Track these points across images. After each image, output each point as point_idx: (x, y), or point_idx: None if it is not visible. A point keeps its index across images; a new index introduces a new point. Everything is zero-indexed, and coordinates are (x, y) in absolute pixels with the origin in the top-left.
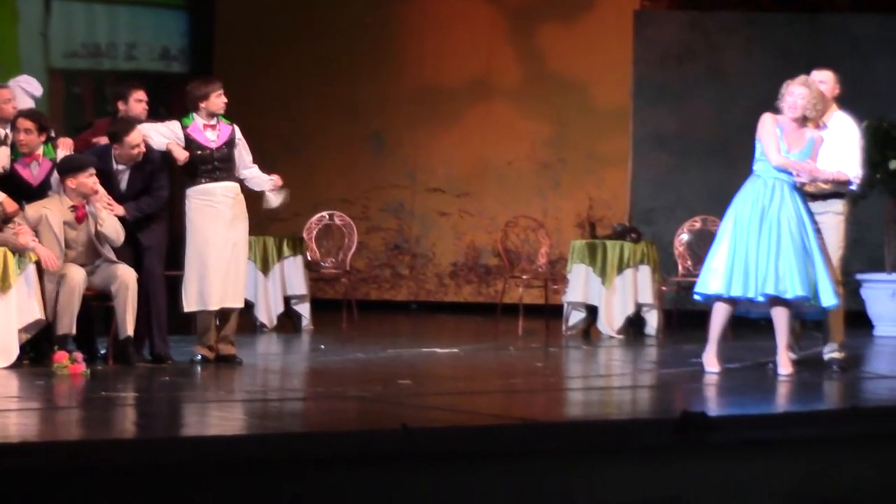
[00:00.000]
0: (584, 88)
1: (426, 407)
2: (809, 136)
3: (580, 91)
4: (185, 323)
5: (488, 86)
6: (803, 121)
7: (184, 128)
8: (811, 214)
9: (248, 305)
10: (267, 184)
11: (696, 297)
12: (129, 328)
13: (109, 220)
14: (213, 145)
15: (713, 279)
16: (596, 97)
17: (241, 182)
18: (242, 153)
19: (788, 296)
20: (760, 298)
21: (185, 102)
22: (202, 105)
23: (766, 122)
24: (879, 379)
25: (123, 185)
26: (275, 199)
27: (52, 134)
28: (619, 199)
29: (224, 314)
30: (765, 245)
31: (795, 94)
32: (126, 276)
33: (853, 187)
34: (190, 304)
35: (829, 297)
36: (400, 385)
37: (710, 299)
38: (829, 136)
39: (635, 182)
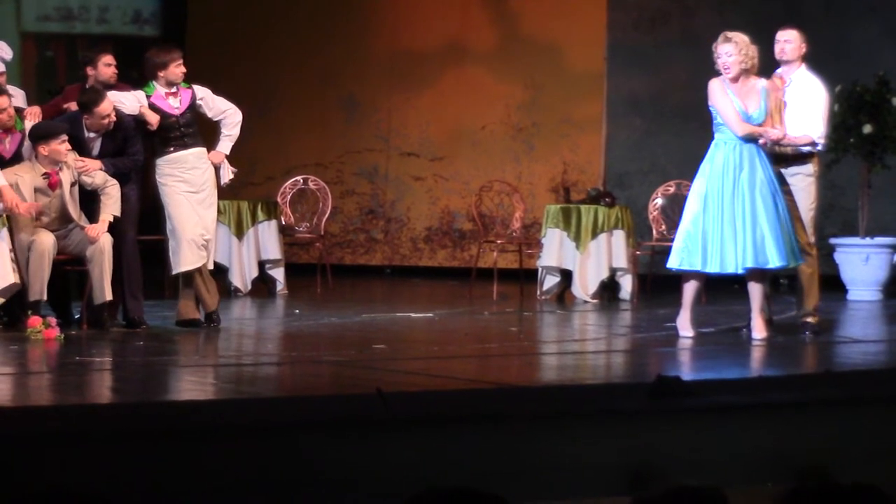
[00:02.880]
0: (558, 52)
1: (401, 371)
2: (760, 87)
3: (554, 55)
4: (159, 288)
5: (462, 49)
6: (745, 73)
7: (147, 97)
8: (780, 176)
9: (223, 270)
10: (224, 172)
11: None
12: (107, 293)
13: (97, 174)
14: (177, 112)
15: (688, 256)
16: (570, 61)
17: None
18: (211, 110)
19: (770, 265)
20: (741, 272)
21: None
22: (161, 74)
23: (716, 90)
24: (853, 343)
25: (95, 151)
26: (224, 177)
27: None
28: (594, 163)
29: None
30: (739, 219)
31: (723, 53)
32: (101, 241)
33: (819, 147)
34: (178, 265)
35: (792, 257)
36: (374, 350)
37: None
38: (792, 93)
39: (609, 146)
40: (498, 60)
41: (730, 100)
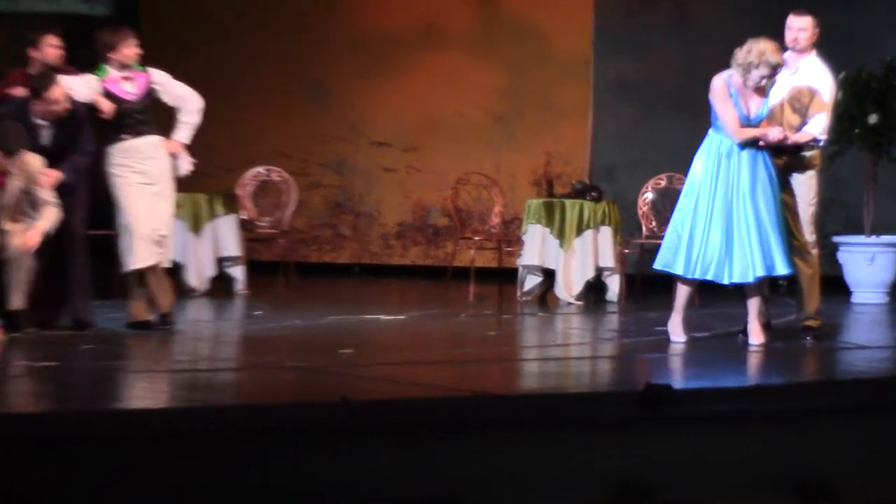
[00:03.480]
0: (542, 35)
1: (370, 378)
2: (767, 89)
3: (537, 38)
4: (108, 287)
5: (438, 32)
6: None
7: (99, 82)
8: (779, 173)
9: (178, 268)
10: (182, 162)
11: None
12: (21, 300)
13: (50, 219)
14: (133, 97)
15: (678, 260)
16: (554, 45)
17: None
18: (169, 95)
19: (778, 273)
20: (751, 280)
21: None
22: (111, 56)
23: (719, 89)
24: (857, 349)
25: (46, 139)
26: (182, 168)
27: None
28: (579, 154)
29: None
30: (744, 226)
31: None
32: (28, 246)
33: (821, 143)
34: (130, 263)
35: (782, 267)
36: (341, 355)
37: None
38: (796, 81)
39: (596, 136)
40: (477, 44)
41: (731, 105)
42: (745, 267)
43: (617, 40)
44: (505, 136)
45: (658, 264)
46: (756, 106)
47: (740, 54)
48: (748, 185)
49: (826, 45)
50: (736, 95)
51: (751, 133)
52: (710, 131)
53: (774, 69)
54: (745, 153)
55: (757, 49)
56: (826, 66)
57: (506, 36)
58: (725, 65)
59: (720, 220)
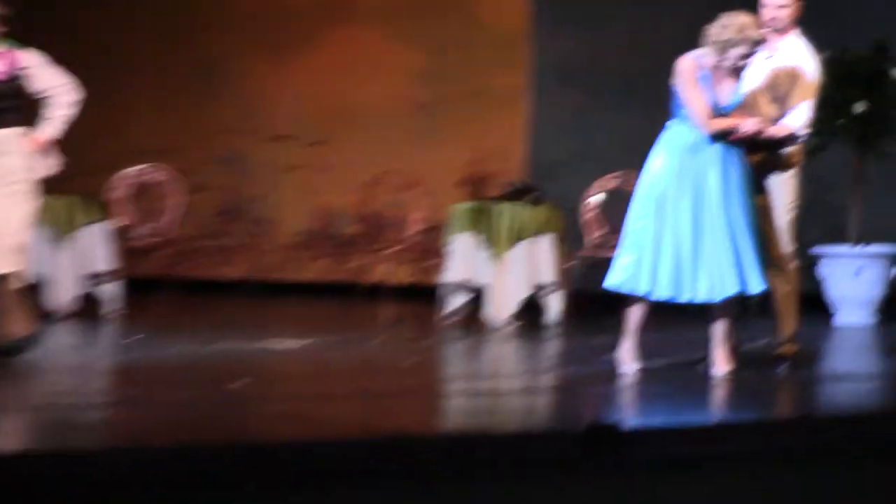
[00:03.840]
0: (470, 7)
1: (266, 416)
2: (740, 73)
3: (464, 10)
4: None
5: (347, 3)
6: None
7: None
8: (753, 173)
9: (37, 285)
10: (45, 161)
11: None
12: None
13: None
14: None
15: (641, 278)
16: (485, 19)
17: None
18: (38, 82)
19: (752, 291)
20: (718, 300)
21: None
22: None
23: (687, 71)
24: (840, 380)
25: None
26: (46, 167)
27: None
28: (514, 149)
29: None
30: (713, 235)
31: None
32: None
33: (799, 137)
34: None
35: (756, 283)
36: (233, 388)
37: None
38: (776, 65)
39: (535, 128)
40: (393, 18)
41: (700, 91)
42: (713, 284)
43: (559, 13)
44: (427, 127)
45: (614, 283)
46: (728, 92)
47: (715, 31)
48: (718, 187)
49: (806, 22)
50: (706, 79)
51: (722, 124)
52: (672, 121)
53: (755, 46)
54: (715, 148)
55: (736, 24)
56: (809, 47)
57: (427, 8)
58: (687, 41)
59: (687, 229)
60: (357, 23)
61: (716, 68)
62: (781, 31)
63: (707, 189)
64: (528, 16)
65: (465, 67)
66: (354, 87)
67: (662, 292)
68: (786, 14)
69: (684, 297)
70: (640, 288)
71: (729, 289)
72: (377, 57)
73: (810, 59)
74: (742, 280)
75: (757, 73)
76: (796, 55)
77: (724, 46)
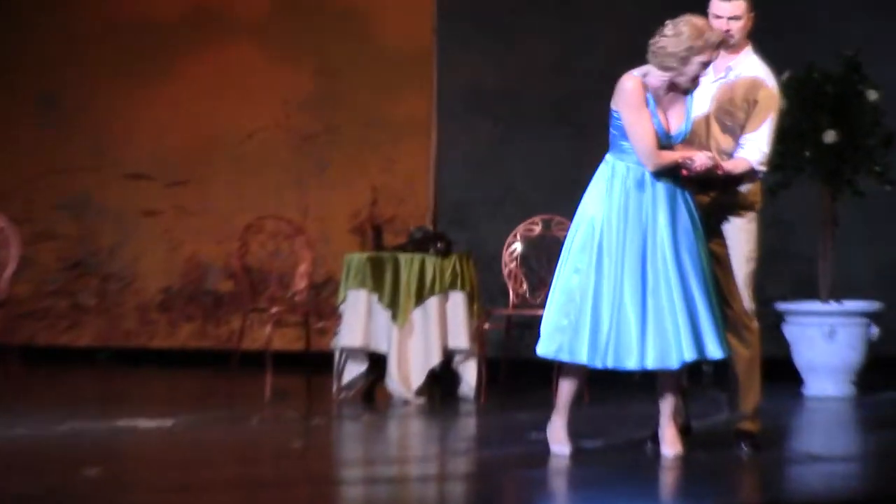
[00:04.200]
0: (366, 21)
1: None
2: (687, 98)
3: (359, 26)
4: None
5: (219, 18)
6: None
7: None
8: (705, 216)
9: None
10: None
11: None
12: None
13: None
14: None
15: (579, 343)
16: (383, 34)
17: None
18: None
19: (712, 357)
20: (675, 366)
21: None
22: None
23: (633, 96)
24: (810, 462)
25: None
26: None
27: None
28: (418, 188)
29: None
30: (664, 291)
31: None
32: None
33: (759, 173)
34: None
35: (715, 348)
36: (84, 476)
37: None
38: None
39: (442, 163)
40: (274, 34)
41: (647, 116)
42: (664, 349)
43: (469, 30)
44: (314, 163)
45: (546, 350)
46: (677, 119)
47: (667, 41)
48: (667, 233)
49: (766, 33)
50: (653, 104)
51: (670, 157)
52: (609, 155)
53: (715, 52)
54: (662, 187)
55: (692, 29)
56: (766, 65)
57: (315, 23)
58: (620, 62)
59: (633, 283)
60: (229, 40)
61: (665, 89)
62: (734, 47)
63: (655, 236)
64: (434, 31)
65: (359, 92)
66: (226, 115)
67: (604, 360)
68: (739, 27)
69: (629, 365)
70: (578, 355)
71: (682, 355)
72: (254, 80)
73: (769, 78)
74: (697, 344)
75: (705, 98)
76: (753, 75)
77: (686, 59)
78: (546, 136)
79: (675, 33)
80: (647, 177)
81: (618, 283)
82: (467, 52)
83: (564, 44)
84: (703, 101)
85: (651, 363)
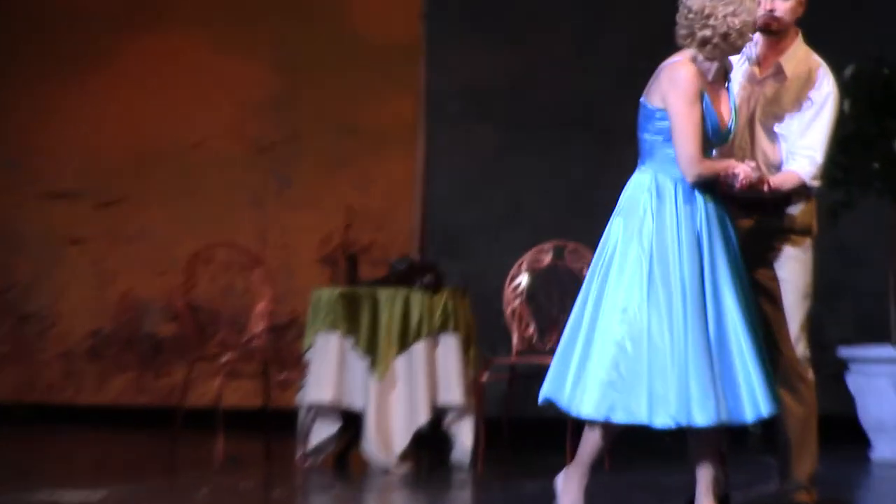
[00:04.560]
0: (339, 6)
1: None
2: (728, 87)
3: (331, 12)
4: None
5: (159, 3)
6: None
7: None
8: (745, 242)
9: None
10: None
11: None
12: None
13: None
14: None
15: (627, 399)
16: (360, 23)
17: None
18: None
19: (764, 414)
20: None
21: None
22: None
23: (691, 84)
24: None
25: None
26: None
27: None
28: (401, 209)
29: None
30: (712, 345)
31: (738, 46)
32: None
33: (812, 190)
34: None
35: (764, 403)
36: None
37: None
38: (775, 86)
39: (431, 178)
40: (224, 21)
41: (699, 114)
42: (735, 400)
43: (464, 22)
44: (275, 178)
45: (597, 411)
46: (727, 111)
47: (715, 9)
48: (724, 263)
49: (822, 24)
50: (708, 99)
51: (713, 168)
52: (646, 167)
53: (749, 23)
54: (712, 207)
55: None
56: (821, 60)
57: (276, 7)
58: (648, 51)
59: (696, 326)
60: (172, 30)
61: (711, 79)
62: (779, 35)
63: (715, 269)
64: (421, 21)
65: (330, 92)
66: (168, 120)
67: (672, 416)
68: (787, 7)
69: (700, 421)
70: (637, 415)
71: (758, 408)
72: (202, 78)
73: (825, 75)
74: (754, 401)
75: (749, 99)
76: (804, 70)
77: (732, 35)
78: (558, 145)
79: (733, 3)
80: (698, 193)
81: (677, 324)
82: (462, 45)
83: (580, 34)
84: (745, 103)
85: (724, 417)
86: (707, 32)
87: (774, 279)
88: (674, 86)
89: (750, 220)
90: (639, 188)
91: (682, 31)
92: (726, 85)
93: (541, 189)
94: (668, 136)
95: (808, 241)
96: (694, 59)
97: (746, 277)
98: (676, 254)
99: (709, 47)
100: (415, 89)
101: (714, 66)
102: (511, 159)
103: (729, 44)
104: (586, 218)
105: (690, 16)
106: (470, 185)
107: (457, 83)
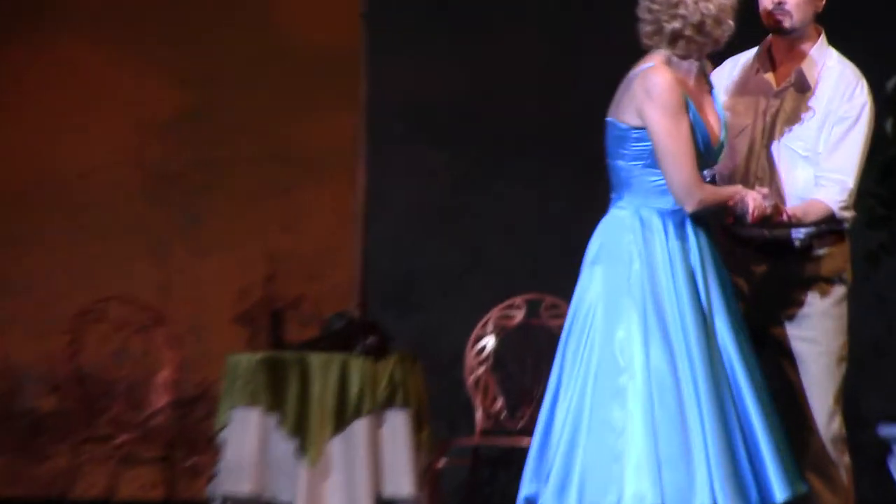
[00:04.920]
0: (262, 7)
1: None
2: (712, 91)
3: (251, 13)
4: None
5: (37, 6)
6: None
7: None
8: (761, 298)
9: None
10: None
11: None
12: None
13: None
14: None
15: (637, 482)
16: (288, 27)
17: None
18: None
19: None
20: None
21: None
22: None
23: (671, 94)
24: None
25: None
26: None
27: None
28: (338, 253)
29: None
30: (697, 410)
31: (718, 38)
32: None
33: (843, 223)
34: None
35: (780, 488)
36: None
37: None
38: (793, 98)
39: (375, 215)
40: (117, 23)
41: (688, 128)
42: (741, 482)
43: (415, 16)
44: (181, 216)
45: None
46: (716, 121)
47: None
48: (724, 311)
49: (854, 25)
50: (693, 108)
51: (717, 196)
52: (625, 201)
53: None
54: (705, 241)
55: None
56: (852, 65)
57: (182, 7)
58: (641, 52)
59: (710, 399)
60: (55, 38)
61: (692, 82)
62: (792, 34)
63: (714, 320)
64: (362, 23)
65: (250, 111)
66: (50, 146)
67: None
68: (803, 3)
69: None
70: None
71: (790, 488)
72: (90, 93)
73: (855, 82)
74: (761, 481)
75: (758, 114)
76: (829, 79)
77: (707, 23)
78: (531, 175)
79: None
80: (689, 227)
81: (693, 387)
82: (412, 51)
83: (556, 40)
84: (759, 120)
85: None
86: (677, 24)
87: (800, 339)
88: (651, 97)
89: (764, 264)
90: (619, 228)
91: (646, 28)
92: (710, 89)
93: (510, 229)
94: (649, 161)
95: (841, 292)
96: (668, 62)
97: (746, 331)
98: (675, 307)
99: (681, 42)
100: (354, 105)
101: (693, 66)
102: (473, 192)
103: (705, 35)
104: (566, 265)
105: (654, 7)
106: (423, 223)
107: (406, 98)
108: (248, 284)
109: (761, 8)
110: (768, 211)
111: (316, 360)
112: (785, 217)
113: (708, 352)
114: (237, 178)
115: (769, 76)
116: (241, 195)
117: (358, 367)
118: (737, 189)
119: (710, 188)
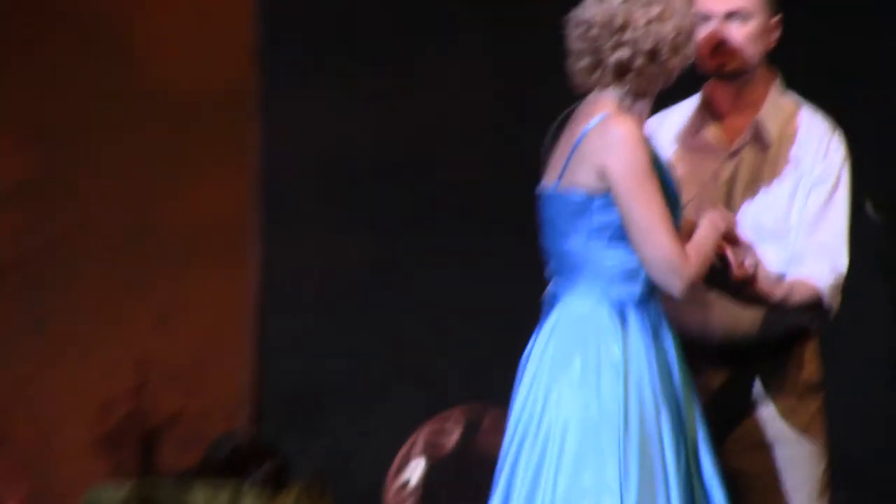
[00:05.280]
0: (130, 42)
1: None
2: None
3: (113, 53)
4: None
5: None
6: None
7: None
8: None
9: None
10: None
11: None
12: None
13: None
14: None
15: None
16: (159, 68)
17: None
18: None
19: None
20: None
21: None
22: None
23: (638, 150)
24: None
25: None
26: None
27: None
28: (224, 358)
29: None
30: None
31: (675, 66)
32: None
33: (829, 311)
34: None
35: None
36: None
37: None
38: (752, 162)
39: (270, 305)
40: None
41: (658, 190)
42: None
43: (319, 49)
44: (23, 313)
45: None
46: (675, 174)
47: (629, 21)
48: (697, 420)
49: (820, 64)
50: (661, 159)
51: (701, 255)
52: (581, 287)
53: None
54: (669, 333)
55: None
56: (818, 113)
57: (27, 38)
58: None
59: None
60: None
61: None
62: (745, 80)
63: (688, 428)
64: (254, 60)
65: (114, 176)
66: None
67: None
68: (747, 33)
69: None
70: None
71: None
72: None
73: (826, 135)
74: None
75: (710, 178)
76: (809, 134)
77: (673, 49)
78: (468, 249)
79: (645, 3)
80: (657, 320)
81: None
82: (317, 94)
83: (503, 72)
84: (709, 187)
85: None
86: (624, 53)
87: (771, 463)
88: (617, 155)
89: (724, 368)
90: (581, 325)
91: (582, 62)
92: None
93: (442, 322)
94: (616, 233)
95: (817, 402)
96: (620, 104)
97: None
98: (656, 417)
99: (630, 76)
100: (245, 165)
101: (645, 108)
102: (392, 272)
103: (659, 65)
104: (514, 367)
105: (593, 32)
106: (331, 317)
107: (309, 152)
108: (111, 398)
109: (696, 49)
110: (751, 271)
111: (198, 494)
112: (763, 289)
113: (686, 468)
114: (95, 262)
115: (715, 133)
116: (100, 284)
117: (251, 501)
118: (713, 230)
119: (692, 253)
